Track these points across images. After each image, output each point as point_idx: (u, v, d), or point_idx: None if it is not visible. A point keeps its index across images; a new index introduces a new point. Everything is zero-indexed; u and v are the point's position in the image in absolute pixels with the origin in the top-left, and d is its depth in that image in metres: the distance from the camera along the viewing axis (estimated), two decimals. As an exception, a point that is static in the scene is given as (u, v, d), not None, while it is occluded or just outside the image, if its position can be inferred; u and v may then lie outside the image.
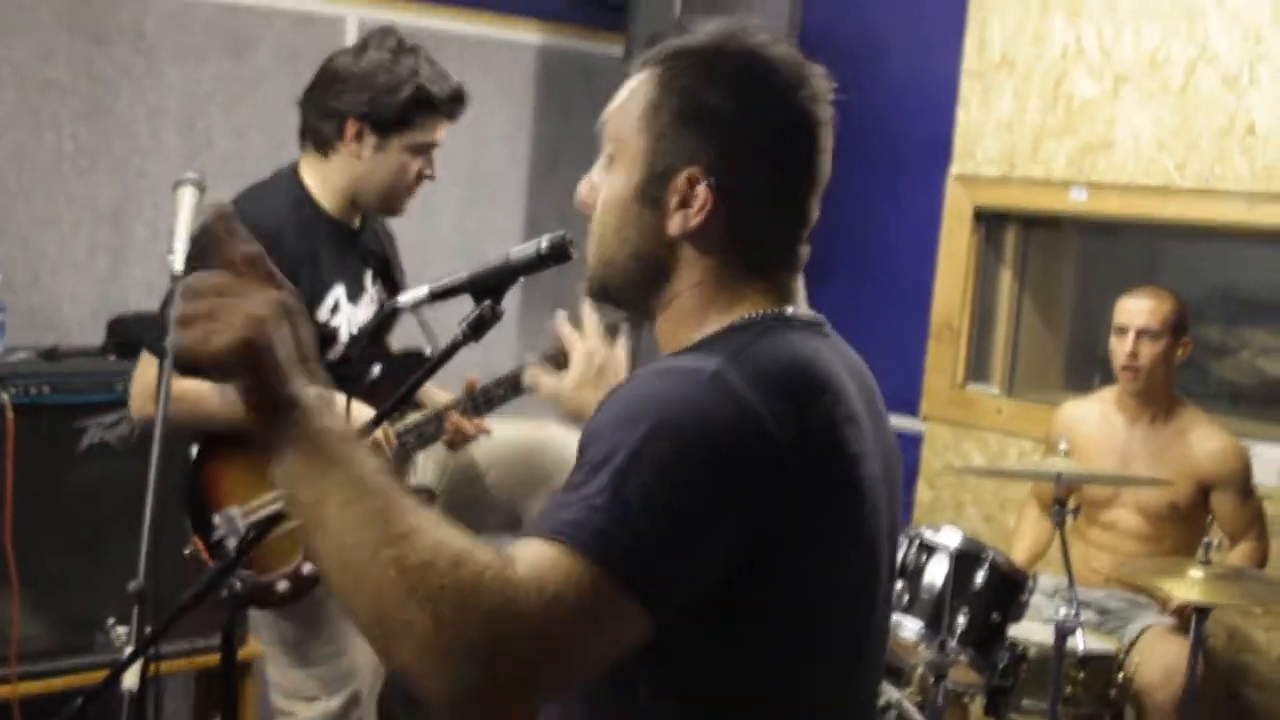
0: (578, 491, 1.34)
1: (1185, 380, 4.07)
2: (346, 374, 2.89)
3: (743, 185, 1.54)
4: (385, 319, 3.04)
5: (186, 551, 2.88)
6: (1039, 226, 4.84)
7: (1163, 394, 3.86)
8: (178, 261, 2.27)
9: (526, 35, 4.87)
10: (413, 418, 2.96)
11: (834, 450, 1.46)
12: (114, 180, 3.99)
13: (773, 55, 1.57)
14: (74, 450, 3.41)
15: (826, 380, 1.50)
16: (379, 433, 2.84)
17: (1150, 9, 4.23)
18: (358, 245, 3.08)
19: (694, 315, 1.57)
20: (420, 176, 2.99)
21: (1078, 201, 4.43)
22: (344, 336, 2.97)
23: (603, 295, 1.64)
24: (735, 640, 1.44)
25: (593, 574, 1.28)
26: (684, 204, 1.54)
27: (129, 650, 1.89)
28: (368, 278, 3.08)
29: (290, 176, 2.99)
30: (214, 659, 3.01)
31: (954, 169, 4.71)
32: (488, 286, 1.71)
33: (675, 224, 1.55)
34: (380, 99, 2.88)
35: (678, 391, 1.40)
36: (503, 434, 3.11)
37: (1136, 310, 3.79)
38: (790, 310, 1.58)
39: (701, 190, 1.53)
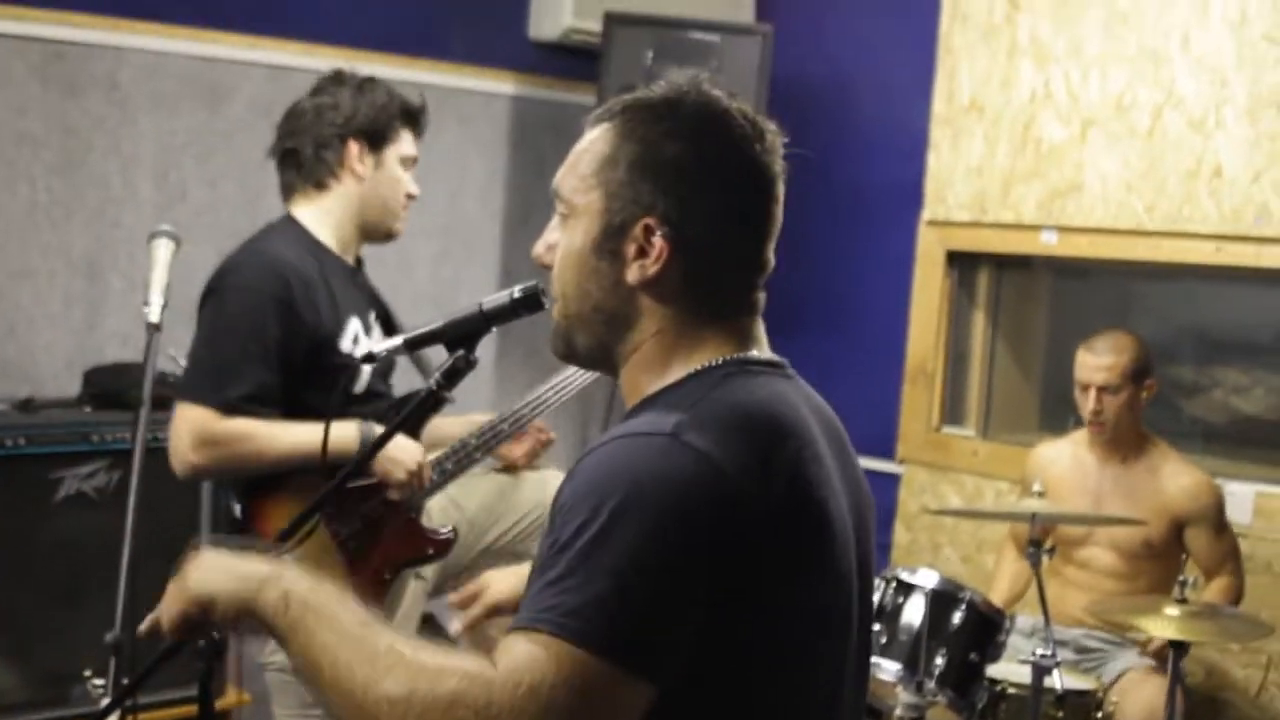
0: (551, 573, 1.36)
1: (1158, 419, 4.09)
2: (370, 409, 2.94)
3: (699, 235, 1.55)
4: (359, 367, 3.05)
5: None
6: (1011, 269, 4.87)
7: (1131, 435, 3.88)
8: (153, 312, 2.28)
9: (500, 86, 4.91)
10: (433, 455, 2.97)
11: (801, 493, 1.47)
12: (88, 232, 3.99)
13: (729, 108, 1.60)
14: (50, 501, 3.40)
15: (790, 423, 1.51)
16: (420, 466, 2.87)
17: (1116, 54, 4.28)
18: (359, 282, 3.12)
19: (657, 364, 1.58)
20: (408, 195, 3.10)
21: (1049, 244, 4.47)
22: (367, 369, 2.99)
23: (569, 352, 1.64)
24: (711, 688, 1.44)
25: (574, 657, 1.31)
26: (641, 254, 1.55)
27: (105, 702, 1.89)
28: (372, 316, 3.11)
29: (285, 222, 3.03)
30: (191, 710, 2.98)
31: (925, 214, 4.75)
32: (461, 336, 1.74)
33: (633, 273, 1.56)
34: (372, 115, 3.01)
35: (641, 458, 1.41)
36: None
37: (1095, 368, 3.80)
38: (752, 354, 1.59)
39: (658, 240, 1.54)
